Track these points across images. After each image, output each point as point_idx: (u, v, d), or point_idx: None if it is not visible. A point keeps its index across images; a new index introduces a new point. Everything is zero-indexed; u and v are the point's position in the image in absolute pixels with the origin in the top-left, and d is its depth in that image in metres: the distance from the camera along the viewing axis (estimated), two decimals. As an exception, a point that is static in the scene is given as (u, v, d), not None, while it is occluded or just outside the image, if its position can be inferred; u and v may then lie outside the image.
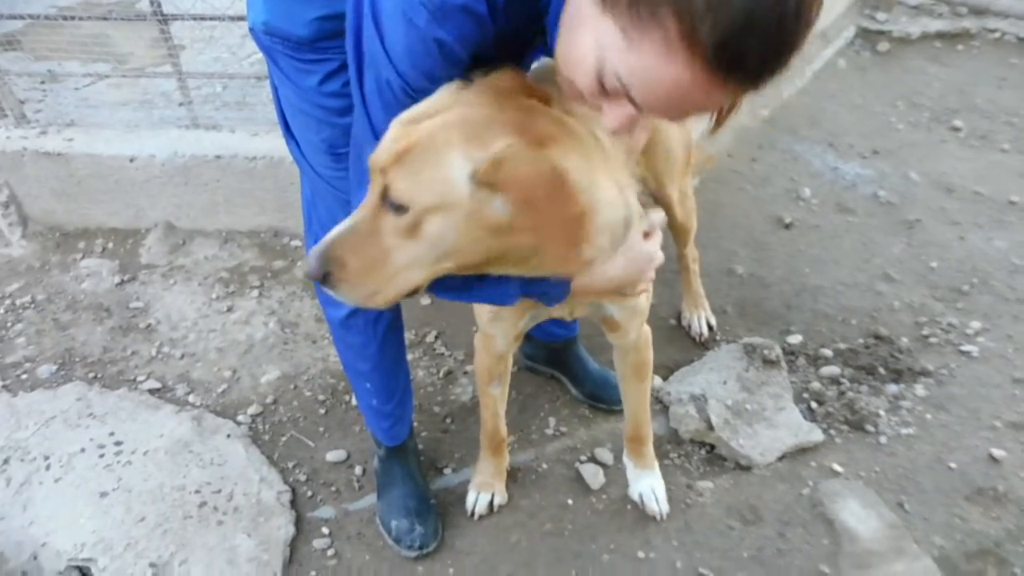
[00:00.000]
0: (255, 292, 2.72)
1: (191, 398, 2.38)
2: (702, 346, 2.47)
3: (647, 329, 1.76)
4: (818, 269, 2.77)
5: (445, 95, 1.13)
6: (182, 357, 2.52)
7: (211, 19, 2.87)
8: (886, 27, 4.24)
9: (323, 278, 1.11)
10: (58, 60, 3.32)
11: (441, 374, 2.39)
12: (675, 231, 2.33)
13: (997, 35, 4.22)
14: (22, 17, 3.19)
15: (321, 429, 2.27)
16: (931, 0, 4.41)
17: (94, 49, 3.41)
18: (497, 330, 1.69)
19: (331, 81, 1.43)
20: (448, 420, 2.27)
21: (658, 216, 1.39)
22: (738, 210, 3.04)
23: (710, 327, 2.51)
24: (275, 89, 1.59)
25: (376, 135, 1.17)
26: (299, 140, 1.58)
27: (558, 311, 1.59)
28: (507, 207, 1.05)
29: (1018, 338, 2.46)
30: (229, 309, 2.67)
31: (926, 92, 3.82)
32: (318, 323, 2.58)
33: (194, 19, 2.83)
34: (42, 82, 3.24)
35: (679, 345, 2.48)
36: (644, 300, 1.62)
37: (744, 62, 0.89)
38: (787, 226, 2.96)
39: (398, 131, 1.10)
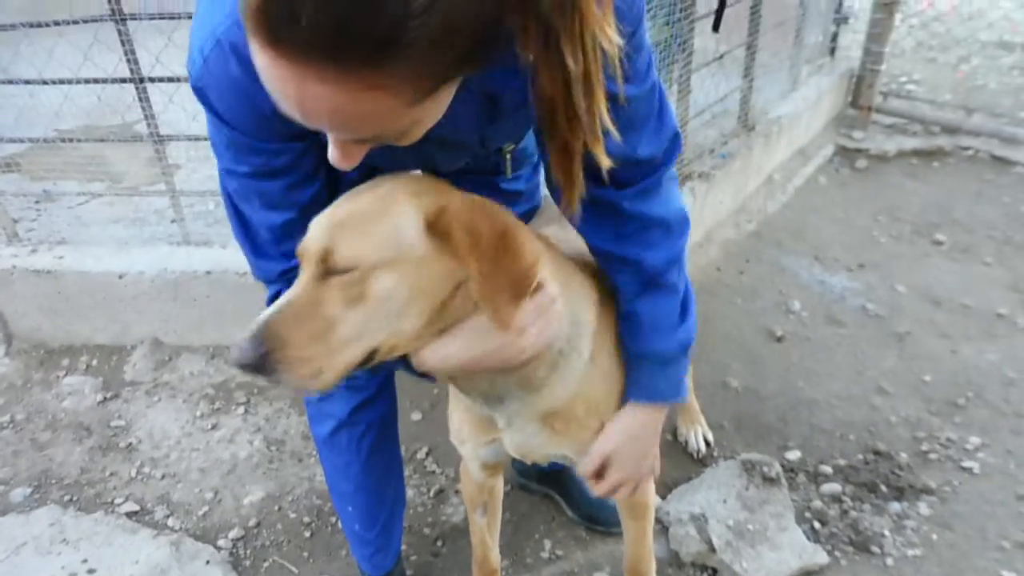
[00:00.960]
0: (241, 409, 2.66)
1: (170, 521, 2.28)
2: (700, 462, 2.42)
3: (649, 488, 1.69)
4: (812, 382, 2.75)
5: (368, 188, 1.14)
6: (163, 478, 2.43)
7: (207, 139, 2.92)
8: (863, 145, 4.39)
9: (260, 361, 1.00)
10: (54, 180, 3.36)
11: (432, 493, 2.31)
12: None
13: (970, 152, 4.38)
14: (22, 140, 3.25)
15: (305, 554, 2.17)
16: (904, 120, 4.59)
17: (90, 169, 3.46)
18: (465, 453, 1.62)
19: None
20: (439, 543, 2.17)
21: None
22: (729, 323, 3.05)
23: (707, 443, 2.46)
24: None
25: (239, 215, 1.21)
26: None
27: (513, 451, 1.48)
28: (455, 254, 1.05)
29: (1018, 453, 2.42)
30: (214, 427, 2.60)
31: (906, 207, 3.91)
32: (305, 440, 2.52)
33: (188, 139, 2.89)
34: (37, 201, 3.27)
35: (676, 462, 2.42)
36: None
37: (295, 27, 0.75)
38: (779, 339, 2.96)
39: (323, 220, 1.09)
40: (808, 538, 2.12)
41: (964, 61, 5.54)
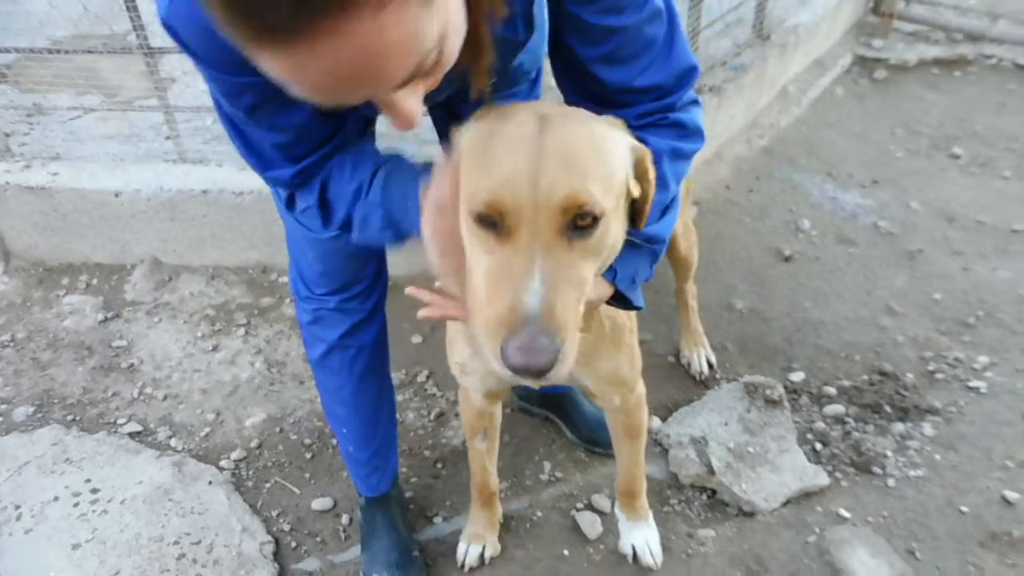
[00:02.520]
0: (241, 330, 2.64)
1: (173, 442, 2.30)
2: (702, 384, 2.40)
3: (640, 391, 1.66)
4: (820, 303, 2.70)
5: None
6: (165, 399, 2.44)
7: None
8: (883, 54, 4.20)
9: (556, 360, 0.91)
10: (44, 93, 3.26)
11: (432, 416, 2.31)
12: (677, 265, 2.27)
13: (994, 61, 4.19)
14: (8, 51, 3.14)
15: (307, 475, 2.19)
16: (927, 27, 4.38)
17: (82, 81, 3.35)
18: (468, 383, 1.61)
19: None
20: (439, 465, 2.18)
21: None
22: (737, 243, 2.98)
23: (710, 365, 2.43)
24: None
25: (239, 132, 1.16)
26: None
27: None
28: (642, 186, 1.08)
29: (1027, 373, 2.39)
30: (215, 348, 2.59)
31: (924, 119, 3.77)
32: (306, 363, 2.50)
33: (180, 52, 2.77)
34: (28, 115, 3.18)
35: (678, 384, 2.40)
36: (625, 369, 1.51)
37: (265, 12, 0.71)
38: (787, 259, 2.90)
39: (551, 160, 0.94)
40: (809, 459, 2.12)
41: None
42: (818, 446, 2.18)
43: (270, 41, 0.73)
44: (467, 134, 1.05)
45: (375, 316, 1.72)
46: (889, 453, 2.14)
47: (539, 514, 2.03)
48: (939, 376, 2.39)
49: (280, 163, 1.18)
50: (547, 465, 2.16)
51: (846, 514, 1.98)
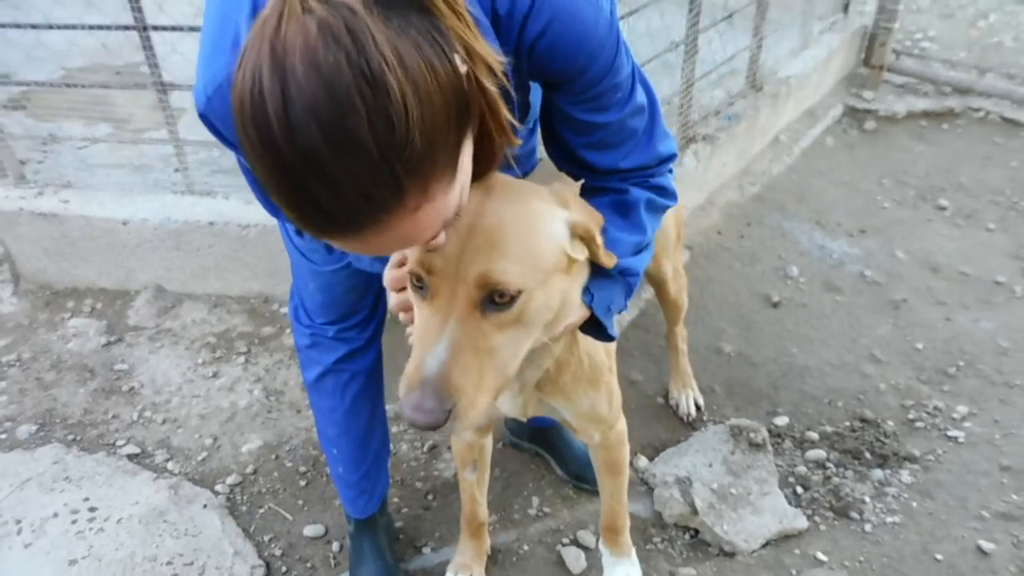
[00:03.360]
0: (241, 358, 2.71)
1: (170, 465, 2.35)
2: (689, 426, 2.46)
3: (620, 428, 1.72)
4: (805, 349, 2.77)
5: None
6: (164, 422, 2.49)
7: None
8: (873, 106, 4.33)
9: (446, 419, 1.01)
10: (59, 122, 3.36)
11: (425, 448, 2.37)
12: (666, 307, 2.34)
13: (981, 114, 4.31)
14: (27, 84, 3.24)
15: (300, 502, 2.24)
16: (916, 80, 4.51)
17: (95, 112, 3.45)
18: None
19: None
20: (430, 497, 2.24)
21: None
22: (726, 287, 3.06)
23: (698, 407, 2.50)
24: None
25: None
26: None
27: (513, 412, 1.55)
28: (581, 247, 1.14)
29: (1005, 423, 2.45)
30: (215, 375, 2.66)
31: (912, 170, 3.88)
32: (303, 392, 2.57)
33: (191, 88, 2.87)
34: (43, 143, 3.27)
35: (666, 424, 2.47)
36: (603, 408, 1.58)
37: (327, 217, 0.84)
38: (775, 304, 2.98)
39: (475, 241, 1.04)
40: (790, 503, 2.18)
41: (982, 17, 5.40)
42: (799, 490, 2.25)
43: (325, 232, 0.87)
44: None
45: (371, 345, 1.80)
46: (867, 499, 2.20)
47: (525, 548, 2.08)
48: (919, 424, 2.46)
49: None
50: (535, 500, 2.22)
51: (823, 557, 2.04)
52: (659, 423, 2.47)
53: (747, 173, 3.69)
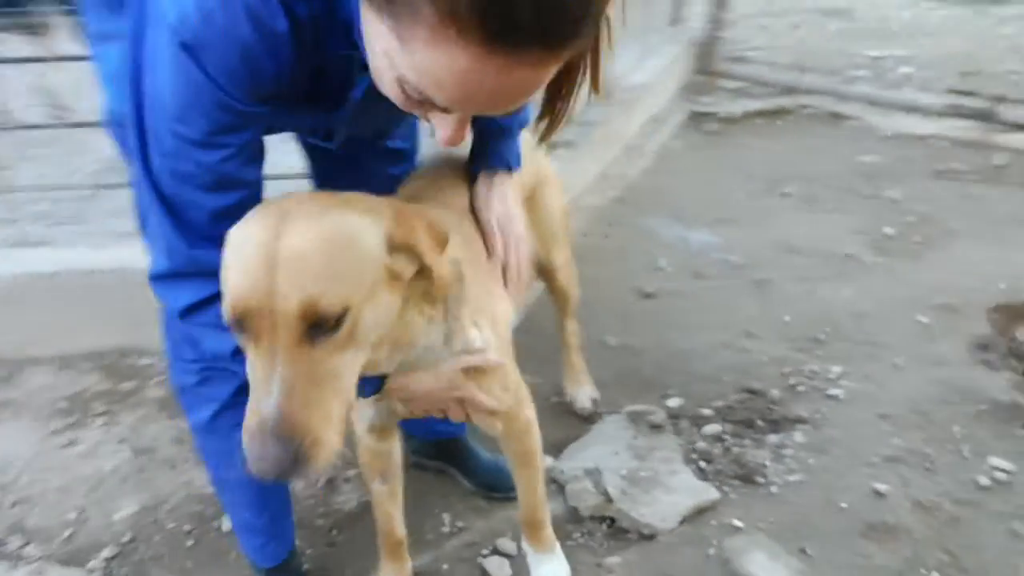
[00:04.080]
0: (100, 420, 2.46)
1: (28, 550, 2.08)
2: (587, 420, 2.44)
3: (527, 416, 1.66)
4: (685, 333, 2.83)
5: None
6: (14, 505, 2.21)
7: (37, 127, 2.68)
8: (712, 109, 4.59)
9: (296, 463, 0.94)
10: None
11: (320, 483, 2.22)
12: (558, 299, 2.32)
13: (809, 110, 4.67)
14: None
15: (190, 564, 2.03)
16: (748, 83, 4.83)
17: None
18: (352, 418, 1.59)
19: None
20: (334, 532, 2.09)
21: (480, 358, 1.40)
22: (601, 284, 3.09)
23: (594, 401, 2.49)
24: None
25: (167, 203, 1.13)
26: None
27: (403, 410, 1.50)
28: (413, 258, 1.10)
29: (876, 377, 2.59)
30: (71, 442, 2.39)
31: (756, 164, 4.12)
32: (177, 445, 2.35)
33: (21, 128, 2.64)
34: None
35: (565, 422, 2.44)
36: (498, 393, 1.50)
37: (516, 24, 0.81)
38: (649, 296, 3.04)
39: (282, 271, 0.97)
40: (697, 478, 2.18)
41: (795, 28, 5.89)
42: (703, 464, 2.26)
43: (496, 47, 0.82)
44: (229, 239, 1.06)
45: None
46: (768, 463, 2.25)
47: (445, 566, 1.97)
48: (800, 389, 2.56)
49: (210, 241, 1.11)
50: (447, 517, 2.11)
51: (739, 524, 2.05)
52: (558, 422, 2.43)
53: (606, 177, 3.79)
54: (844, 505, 2.11)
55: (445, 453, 2.20)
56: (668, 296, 3.05)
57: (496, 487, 2.15)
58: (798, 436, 2.35)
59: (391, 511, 1.79)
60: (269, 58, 1.04)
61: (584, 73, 1.01)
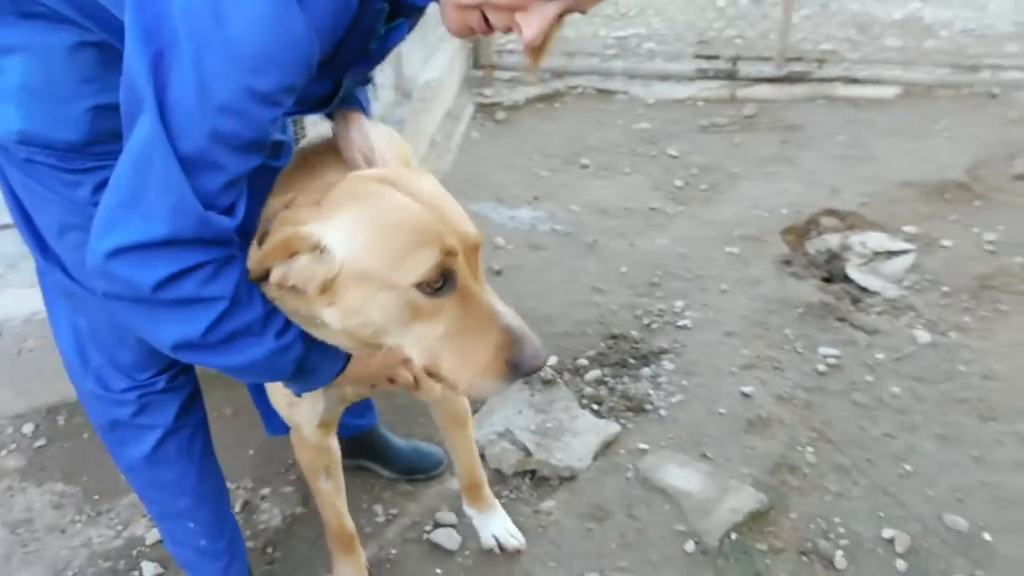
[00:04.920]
0: (-46, 507, 2.18)
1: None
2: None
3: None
4: (541, 299, 3.02)
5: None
6: None
7: None
8: (496, 99, 4.84)
9: None
10: None
11: (238, 508, 2.13)
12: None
13: (579, 91, 5.07)
14: None
15: (117, 622, 1.88)
16: (519, 72, 5.14)
17: None
18: (300, 418, 1.59)
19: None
20: (270, 550, 2.03)
21: None
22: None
23: (478, 374, 2.59)
24: (23, 215, 1.37)
25: (185, 164, 1.02)
26: (68, 261, 1.37)
27: (351, 393, 1.54)
28: None
29: (712, 304, 2.94)
30: (-78, 539, 2.10)
31: (550, 144, 4.41)
32: (57, 510, 2.15)
33: None
34: None
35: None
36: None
37: None
38: (498, 272, 3.20)
39: (430, 215, 1.13)
40: (596, 418, 2.37)
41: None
42: (595, 407, 2.46)
43: None
44: (348, 229, 1.12)
45: (198, 389, 1.60)
46: (651, 391, 2.50)
47: (394, 552, 2.00)
48: (655, 326, 2.84)
49: (215, 211, 1.06)
50: (378, 508, 2.12)
51: (645, 446, 2.27)
52: (453, 401, 2.52)
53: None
54: (723, 411, 2.40)
55: (360, 448, 2.20)
56: (515, 270, 3.22)
57: (417, 470, 2.19)
58: (667, 364, 2.62)
59: (338, 506, 1.79)
60: (344, 14, 1.08)
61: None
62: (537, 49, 1.22)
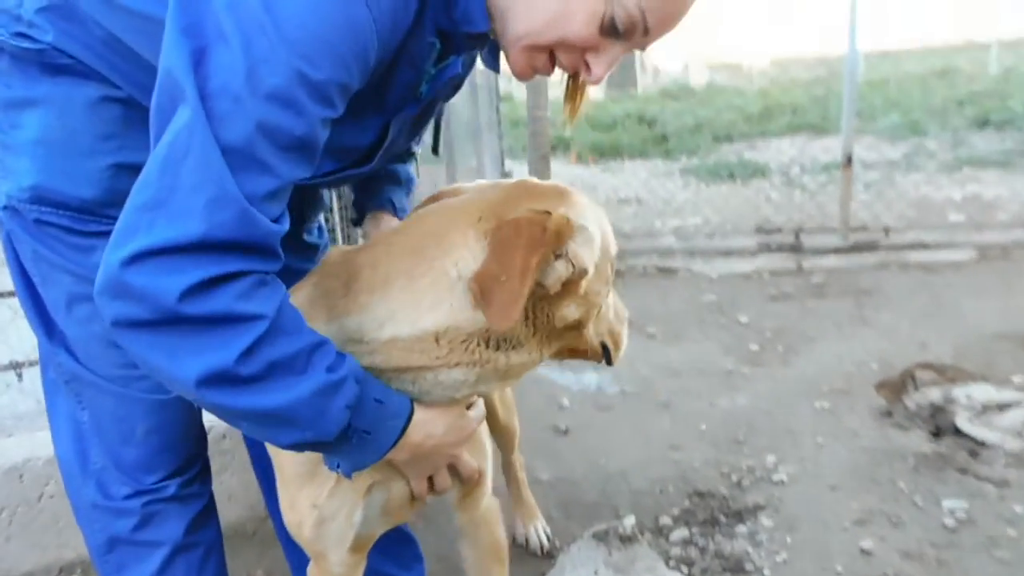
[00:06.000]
0: None
1: None
2: (547, 556, 2.21)
3: (494, 503, 1.50)
4: (612, 456, 2.73)
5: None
6: None
7: None
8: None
9: None
10: None
11: None
12: (500, 435, 2.15)
13: (639, 271, 5.01)
14: None
15: None
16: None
17: None
18: (329, 539, 1.28)
19: None
20: None
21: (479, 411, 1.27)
22: (514, 430, 2.96)
23: (547, 536, 2.27)
24: (31, 291, 1.24)
25: (229, 155, 0.88)
26: (74, 340, 1.22)
27: (401, 512, 1.30)
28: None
29: (808, 457, 2.60)
30: None
31: (612, 315, 4.27)
32: None
33: None
34: None
35: (525, 563, 2.19)
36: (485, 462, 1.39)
37: None
38: (565, 432, 2.94)
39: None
40: (688, 580, 2.01)
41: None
42: (684, 568, 2.09)
43: None
44: (593, 230, 1.15)
45: (212, 502, 1.36)
46: (750, 549, 2.13)
47: None
48: (745, 483, 2.50)
49: (272, 212, 0.93)
50: None
51: (751, 610, 1.88)
52: (517, 565, 2.13)
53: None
54: (840, 569, 2.02)
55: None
56: (582, 429, 2.95)
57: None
58: (765, 521, 2.26)
59: None
60: (403, 21, 1.00)
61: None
62: (577, 102, 1.21)
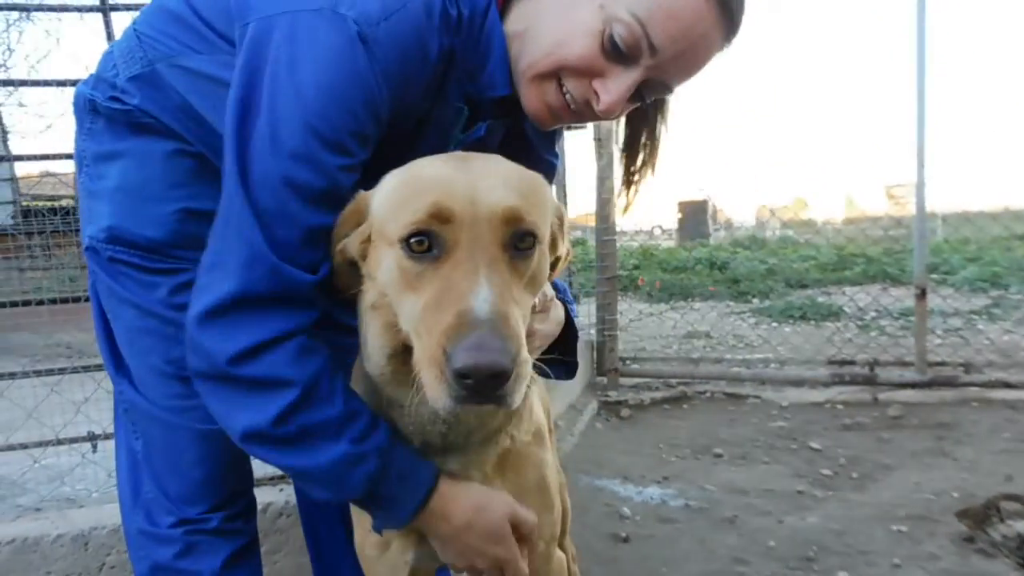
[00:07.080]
0: None
1: None
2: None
3: (560, 556, 1.47)
4: (674, 567, 2.63)
5: None
6: None
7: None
8: (621, 398, 4.75)
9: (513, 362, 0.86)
10: None
11: None
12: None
13: (707, 395, 4.93)
14: None
15: None
16: (645, 379, 5.10)
17: None
18: (383, 570, 1.30)
19: (184, 292, 1.21)
20: None
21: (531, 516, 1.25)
22: (574, 537, 2.87)
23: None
24: (102, 321, 1.36)
25: (261, 217, 1.03)
26: (135, 371, 1.32)
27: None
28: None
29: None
30: None
31: (678, 436, 4.19)
32: None
33: None
34: None
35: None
36: (550, 518, 1.36)
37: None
38: (625, 540, 2.85)
39: (494, 180, 1.02)
40: None
41: (666, 346, 6.45)
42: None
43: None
44: (384, 186, 1.08)
45: (255, 543, 1.39)
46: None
47: None
48: (816, 599, 2.36)
49: (296, 265, 1.06)
50: None
51: None
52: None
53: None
54: None
55: None
56: (643, 539, 2.86)
57: None
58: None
59: None
60: (417, 76, 1.08)
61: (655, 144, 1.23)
62: (630, 193, 1.30)
